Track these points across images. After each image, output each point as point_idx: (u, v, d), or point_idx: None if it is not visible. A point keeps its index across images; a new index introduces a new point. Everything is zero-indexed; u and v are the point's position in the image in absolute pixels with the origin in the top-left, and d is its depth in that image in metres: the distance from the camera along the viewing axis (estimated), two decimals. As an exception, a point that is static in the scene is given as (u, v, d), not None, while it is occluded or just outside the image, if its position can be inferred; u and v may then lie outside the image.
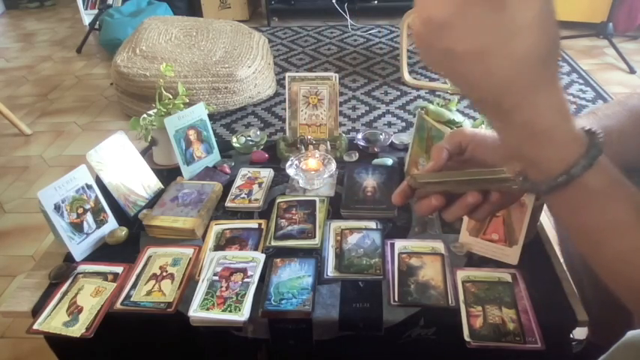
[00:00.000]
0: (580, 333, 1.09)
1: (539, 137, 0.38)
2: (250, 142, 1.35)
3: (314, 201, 1.09)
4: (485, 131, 0.63)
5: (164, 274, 0.94)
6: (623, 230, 0.41)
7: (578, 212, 0.42)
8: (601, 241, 0.43)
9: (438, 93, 2.51)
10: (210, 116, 1.35)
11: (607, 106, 0.70)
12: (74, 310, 0.88)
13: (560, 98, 0.37)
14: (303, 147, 1.26)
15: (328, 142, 1.29)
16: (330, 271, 0.93)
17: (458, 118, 1.08)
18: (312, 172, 1.14)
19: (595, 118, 0.67)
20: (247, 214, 1.10)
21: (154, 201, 1.13)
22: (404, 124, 2.26)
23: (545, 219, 1.01)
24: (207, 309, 0.85)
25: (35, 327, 0.85)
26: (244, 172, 1.22)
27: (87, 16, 3.81)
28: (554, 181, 0.39)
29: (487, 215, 0.56)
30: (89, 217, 1.01)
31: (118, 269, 0.96)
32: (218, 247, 1.00)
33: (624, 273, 0.43)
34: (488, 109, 0.39)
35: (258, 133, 1.37)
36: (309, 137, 1.28)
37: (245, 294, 0.87)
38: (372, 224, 1.03)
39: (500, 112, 0.38)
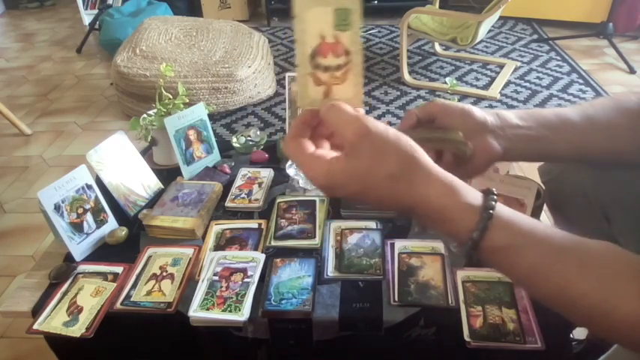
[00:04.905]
0: (580, 333, 1.09)
1: (439, 219, 0.46)
2: (250, 142, 1.35)
3: (314, 201, 1.09)
4: (457, 104, 0.64)
5: (164, 274, 0.94)
6: (542, 275, 0.45)
7: (499, 265, 0.48)
8: (529, 286, 0.48)
9: (438, 93, 2.51)
10: (210, 116, 1.35)
11: (596, 99, 0.71)
12: (74, 310, 0.88)
13: (440, 184, 0.46)
14: (303, 147, 1.26)
15: (328, 142, 1.28)
16: (330, 271, 0.93)
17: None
18: (312, 172, 1.14)
19: (579, 107, 0.68)
20: (247, 214, 1.10)
21: (154, 201, 1.13)
22: (404, 124, 2.26)
23: (545, 219, 1.01)
24: (207, 309, 0.85)
25: (35, 327, 0.85)
26: (244, 172, 1.21)
27: (87, 16, 3.81)
28: (466, 246, 0.46)
29: None
30: (89, 217, 1.01)
31: (118, 269, 0.96)
32: (218, 247, 1.00)
33: (560, 309, 0.46)
34: (399, 212, 0.50)
35: (258, 133, 1.37)
36: (309, 137, 1.28)
37: (245, 294, 0.87)
38: (372, 224, 1.03)
39: (406, 213, 0.48)
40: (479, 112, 0.63)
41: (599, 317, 0.44)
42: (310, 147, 0.49)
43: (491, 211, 0.45)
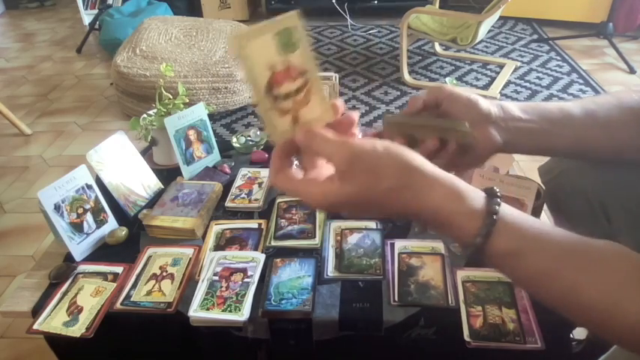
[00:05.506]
0: (580, 333, 1.08)
1: (445, 224, 0.46)
2: (250, 142, 1.35)
3: (314, 201, 1.09)
4: (463, 90, 0.64)
5: (164, 274, 0.94)
6: (548, 280, 0.44)
7: (503, 270, 0.47)
8: (535, 291, 0.47)
9: (438, 93, 2.51)
10: (210, 116, 1.35)
11: (599, 96, 0.72)
12: (74, 310, 0.88)
13: (442, 189, 0.45)
14: (303, 147, 1.26)
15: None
16: (330, 271, 0.93)
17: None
18: (312, 172, 1.14)
19: (582, 103, 0.68)
20: (247, 214, 1.10)
21: (154, 201, 1.13)
22: (404, 124, 2.26)
23: (545, 219, 1.01)
24: (207, 309, 0.85)
25: (35, 327, 0.85)
26: (244, 172, 1.21)
27: (87, 16, 3.80)
28: (469, 251, 0.45)
29: (445, 164, 0.61)
30: (89, 217, 1.01)
31: (118, 269, 0.96)
32: (218, 247, 1.00)
33: (567, 314, 0.45)
34: (402, 218, 0.48)
35: (258, 133, 1.37)
36: (309, 137, 1.28)
37: (245, 294, 0.87)
38: (372, 224, 1.03)
39: (410, 219, 0.48)
40: (484, 102, 0.64)
41: (607, 323, 0.42)
42: (298, 175, 0.48)
43: (494, 217, 0.44)
